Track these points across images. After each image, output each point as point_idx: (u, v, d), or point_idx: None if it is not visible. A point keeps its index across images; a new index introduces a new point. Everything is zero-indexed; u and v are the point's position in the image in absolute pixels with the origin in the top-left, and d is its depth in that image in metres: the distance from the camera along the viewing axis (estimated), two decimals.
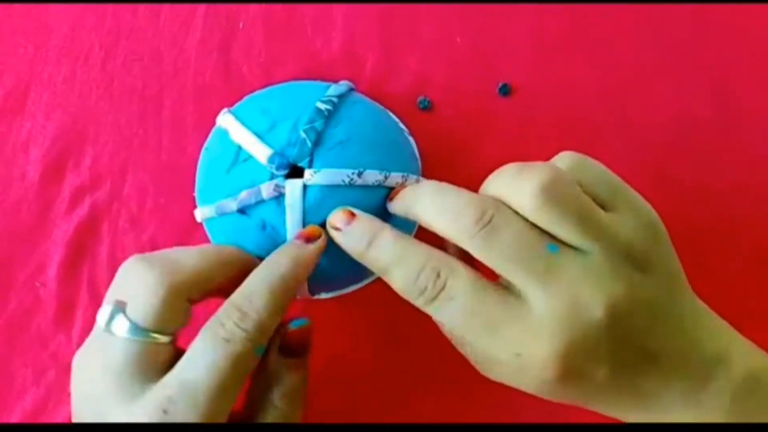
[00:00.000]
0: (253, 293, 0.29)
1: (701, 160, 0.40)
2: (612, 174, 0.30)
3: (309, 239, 0.32)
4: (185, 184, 0.40)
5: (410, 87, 0.41)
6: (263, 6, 0.42)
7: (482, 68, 0.41)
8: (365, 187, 0.34)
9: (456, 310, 0.28)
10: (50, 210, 0.41)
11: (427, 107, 0.41)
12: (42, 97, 0.42)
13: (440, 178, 0.39)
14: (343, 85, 0.37)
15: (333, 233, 0.32)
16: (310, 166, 0.33)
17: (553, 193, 0.27)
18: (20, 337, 0.40)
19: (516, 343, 0.27)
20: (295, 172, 0.34)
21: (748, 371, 0.29)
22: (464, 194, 0.29)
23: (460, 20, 0.42)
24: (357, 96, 0.38)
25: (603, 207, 0.28)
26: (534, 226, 0.28)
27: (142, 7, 0.43)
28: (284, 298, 0.30)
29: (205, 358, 0.27)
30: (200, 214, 0.36)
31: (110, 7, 0.43)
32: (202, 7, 0.42)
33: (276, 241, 0.34)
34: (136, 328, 0.28)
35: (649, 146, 0.40)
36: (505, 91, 0.41)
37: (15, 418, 0.40)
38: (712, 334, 0.30)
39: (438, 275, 0.28)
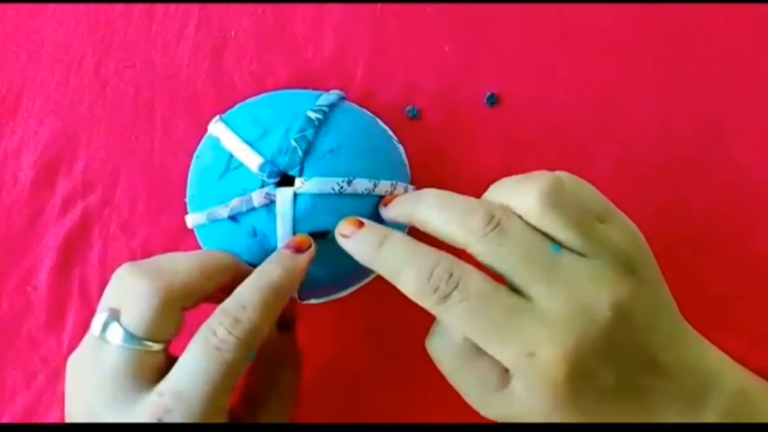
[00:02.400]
0: (246, 300, 0.30)
1: (685, 172, 0.41)
2: (599, 192, 0.30)
3: (298, 249, 0.32)
4: (176, 191, 0.40)
5: (399, 96, 0.42)
6: (255, 15, 0.43)
7: (470, 78, 0.42)
8: (355, 195, 0.34)
9: (468, 310, 0.28)
10: (42, 215, 0.42)
11: (416, 116, 0.41)
12: (34, 103, 0.43)
13: (429, 186, 0.40)
14: (333, 94, 0.38)
15: (341, 241, 0.32)
16: (300, 175, 0.34)
17: (557, 199, 0.28)
18: (11, 340, 0.41)
19: (528, 341, 0.27)
20: (286, 180, 0.34)
21: (739, 390, 0.30)
22: (470, 199, 0.30)
23: (448, 30, 0.42)
24: (347, 105, 0.39)
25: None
26: (537, 229, 0.28)
27: (135, 15, 0.43)
28: (276, 305, 0.30)
29: (198, 367, 0.28)
30: (191, 220, 0.36)
31: (103, 14, 0.43)
32: (194, 16, 0.43)
33: (266, 249, 0.34)
34: (131, 337, 0.28)
35: (634, 157, 0.41)
36: (493, 101, 0.41)
37: (5, 420, 0.40)
38: (699, 349, 0.31)
39: (450, 275, 0.28)
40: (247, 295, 0.30)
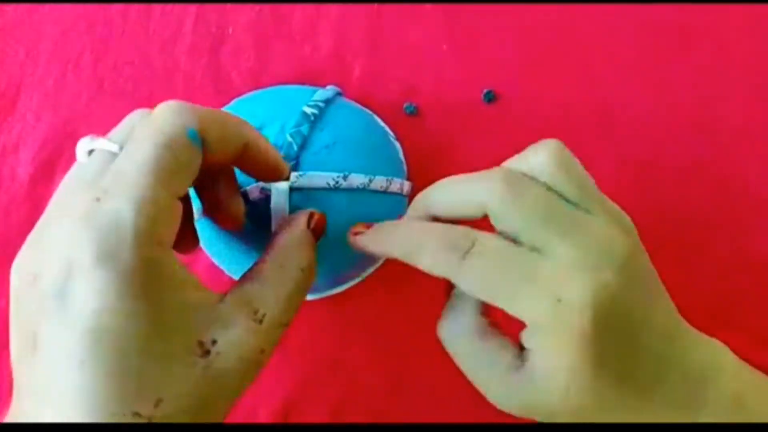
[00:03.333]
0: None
1: (684, 171, 0.41)
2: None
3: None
4: None
5: (397, 93, 0.42)
6: (253, 12, 0.43)
7: (468, 75, 0.42)
8: (350, 190, 0.34)
9: (489, 266, 0.26)
10: (40, 211, 0.41)
11: (414, 113, 0.41)
12: (33, 99, 0.43)
13: (425, 182, 0.40)
14: (329, 90, 0.38)
15: (354, 239, 0.31)
16: (295, 170, 0.34)
17: (568, 159, 0.28)
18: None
19: (555, 285, 0.26)
20: None
21: (736, 390, 0.29)
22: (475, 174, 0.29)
23: (446, 28, 0.42)
24: (343, 101, 0.39)
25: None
26: (550, 189, 0.28)
27: (132, 12, 0.43)
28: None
29: (139, 147, 0.25)
30: None
31: (101, 11, 0.43)
32: (192, 13, 0.43)
33: (261, 243, 0.34)
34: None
35: (634, 156, 0.41)
36: (490, 97, 0.41)
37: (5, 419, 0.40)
38: (697, 338, 0.30)
39: (467, 236, 0.27)
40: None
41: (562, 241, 0.26)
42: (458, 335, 0.29)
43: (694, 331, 0.31)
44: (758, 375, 0.32)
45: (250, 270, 0.29)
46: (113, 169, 0.25)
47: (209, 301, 0.26)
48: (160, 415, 0.24)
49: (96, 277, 0.23)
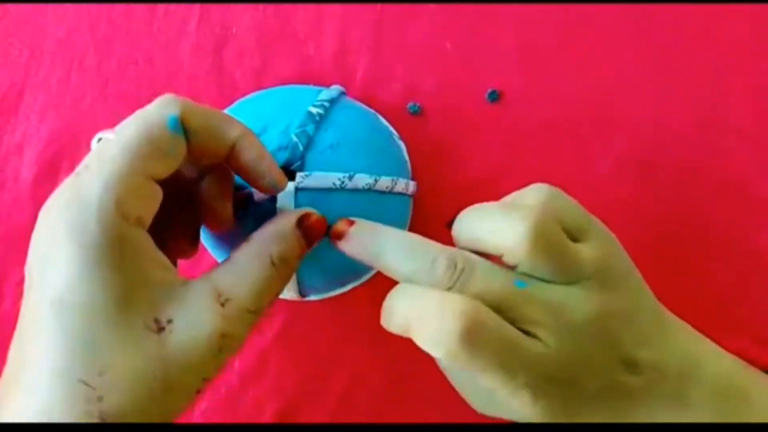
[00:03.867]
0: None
1: (685, 170, 0.41)
2: (580, 206, 0.30)
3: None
4: None
5: (401, 92, 0.42)
6: (256, 11, 0.43)
7: (472, 74, 0.42)
8: (355, 190, 0.34)
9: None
10: None
11: (417, 112, 0.41)
12: (36, 100, 0.43)
13: (429, 182, 0.40)
14: (334, 90, 0.38)
15: (336, 244, 0.31)
16: (301, 170, 0.34)
17: (541, 241, 0.27)
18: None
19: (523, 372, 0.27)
20: (287, 175, 0.34)
21: (720, 377, 0.31)
22: (432, 245, 0.29)
23: (450, 27, 0.42)
24: (348, 101, 0.39)
25: (573, 237, 0.29)
26: (501, 267, 0.28)
27: (136, 12, 0.43)
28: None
29: (123, 131, 0.26)
30: None
31: (105, 11, 0.43)
32: (196, 13, 0.43)
33: None
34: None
35: (634, 154, 0.41)
36: (494, 97, 0.41)
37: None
38: (681, 341, 0.31)
39: (455, 266, 0.27)
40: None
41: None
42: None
43: (682, 330, 0.32)
44: (746, 364, 0.33)
45: (226, 257, 0.29)
46: (98, 149, 0.26)
47: (173, 281, 0.27)
48: (104, 387, 0.24)
49: (65, 250, 0.24)
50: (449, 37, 0.42)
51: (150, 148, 0.26)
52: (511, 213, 0.28)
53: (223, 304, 0.26)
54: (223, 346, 0.26)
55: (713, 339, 0.32)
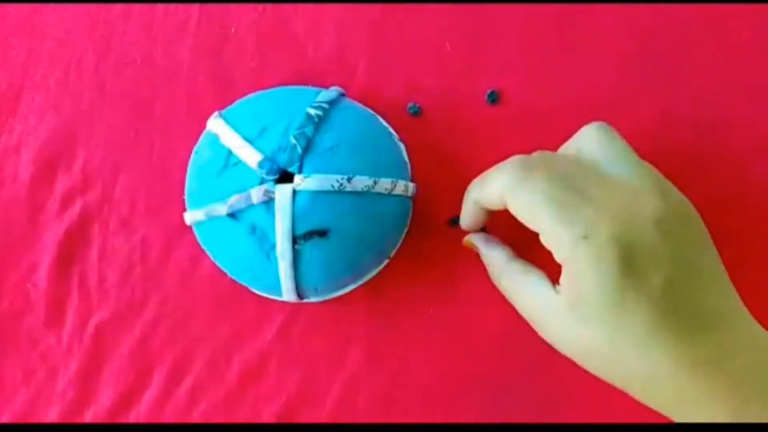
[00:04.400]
0: None
1: (685, 170, 0.41)
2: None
3: None
4: (176, 187, 0.40)
5: (400, 93, 0.42)
6: (256, 12, 0.43)
7: (471, 75, 0.42)
8: (355, 192, 0.34)
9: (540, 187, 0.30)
10: (41, 212, 0.42)
11: (417, 113, 0.41)
12: (34, 100, 0.43)
13: (429, 183, 0.40)
14: (333, 91, 0.37)
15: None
16: (300, 172, 0.34)
17: (611, 131, 0.32)
18: (10, 338, 0.41)
19: (584, 224, 0.28)
20: (285, 177, 0.34)
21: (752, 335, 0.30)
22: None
23: (450, 27, 0.42)
24: (347, 102, 0.38)
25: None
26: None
27: (135, 12, 0.43)
28: None
29: None
30: (190, 217, 0.36)
31: (104, 11, 0.43)
32: (194, 13, 0.43)
33: (265, 246, 0.34)
34: None
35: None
36: (494, 98, 0.41)
37: (4, 419, 0.40)
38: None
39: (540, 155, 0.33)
40: None
41: (598, 190, 0.29)
42: (506, 279, 0.33)
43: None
44: None
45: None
46: None
47: None
48: None
49: None
50: (449, 37, 0.42)
51: None
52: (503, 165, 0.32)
53: None
54: None
55: None
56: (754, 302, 0.40)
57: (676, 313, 0.28)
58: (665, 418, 0.30)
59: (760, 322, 0.31)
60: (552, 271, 0.31)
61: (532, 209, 0.29)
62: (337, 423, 0.39)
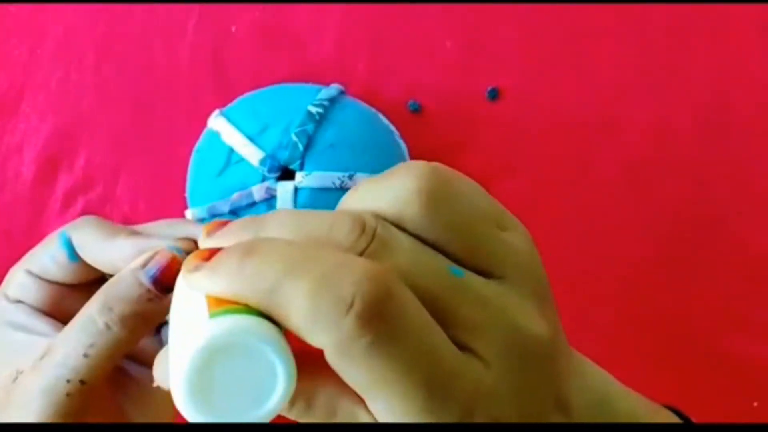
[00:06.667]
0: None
1: (685, 169, 0.41)
2: (488, 193, 0.23)
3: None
4: (177, 186, 0.40)
5: (400, 90, 0.42)
6: (256, 10, 0.43)
7: (471, 72, 0.42)
8: None
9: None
10: (43, 211, 0.42)
11: (417, 110, 0.41)
12: (36, 99, 0.43)
13: None
14: (333, 89, 0.38)
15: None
16: (301, 169, 0.34)
17: (445, 193, 0.20)
18: None
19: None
20: (287, 174, 0.34)
21: (628, 413, 0.24)
22: (327, 212, 0.20)
23: (450, 25, 0.42)
24: (348, 99, 0.39)
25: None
26: (423, 240, 0.19)
27: (135, 11, 0.43)
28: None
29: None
30: (191, 215, 0.36)
31: (104, 11, 0.43)
32: (195, 12, 0.43)
33: None
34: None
35: (635, 151, 0.41)
36: (494, 95, 0.41)
37: None
38: (592, 375, 0.25)
39: (363, 227, 0.19)
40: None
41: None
42: None
43: (587, 363, 0.25)
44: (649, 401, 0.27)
45: None
46: None
47: (32, 341, 0.28)
48: None
49: None
50: (449, 35, 0.42)
51: (40, 252, 0.29)
52: (385, 178, 0.21)
53: (41, 357, 0.27)
54: (68, 392, 0.25)
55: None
56: (761, 309, 0.40)
57: None
58: (665, 418, 0.30)
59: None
60: None
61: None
62: (337, 423, 0.39)
